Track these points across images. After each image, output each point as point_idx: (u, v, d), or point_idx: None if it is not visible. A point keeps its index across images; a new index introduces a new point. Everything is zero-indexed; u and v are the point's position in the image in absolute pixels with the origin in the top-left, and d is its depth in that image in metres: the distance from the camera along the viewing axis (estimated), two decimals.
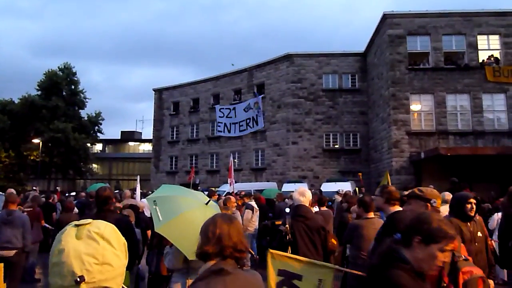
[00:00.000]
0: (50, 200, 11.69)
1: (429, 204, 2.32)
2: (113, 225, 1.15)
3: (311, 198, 4.53)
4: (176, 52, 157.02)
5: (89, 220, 1.12)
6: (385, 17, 20.04)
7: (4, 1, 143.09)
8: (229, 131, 29.29)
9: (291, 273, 3.22)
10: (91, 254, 1.04)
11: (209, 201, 3.80)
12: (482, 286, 2.21)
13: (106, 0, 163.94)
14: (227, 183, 20.35)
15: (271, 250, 3.28)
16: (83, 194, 13.57)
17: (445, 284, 2.18)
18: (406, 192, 11.30)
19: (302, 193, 4.41)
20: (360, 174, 14.65)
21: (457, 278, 2.18)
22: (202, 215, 3.58)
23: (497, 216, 7.21)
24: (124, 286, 1.16)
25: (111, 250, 1.09)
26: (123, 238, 1.15)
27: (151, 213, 3.77)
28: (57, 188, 16.02)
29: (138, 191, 13.06)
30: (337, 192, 11.22)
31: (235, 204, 7.92)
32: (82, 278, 1.02)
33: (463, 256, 2.28)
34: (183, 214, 3.47)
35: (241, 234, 1.85)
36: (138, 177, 14.93)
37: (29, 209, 7.83)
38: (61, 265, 1.04)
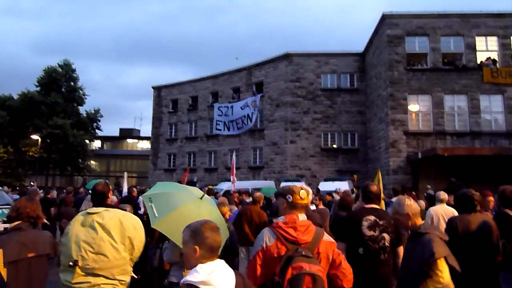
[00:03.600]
0: (49, 196, 11.74)
1: (284, 199, 2.60)
2: (122, 218, 1.19)
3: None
4: (175, 52, 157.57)
5: (101, 209, 1.18)
6: (384, 17, 20.11)
7: (8, 2, 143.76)
8: (228, 129, 29.40)
9: None
10: (88, 242, 1.11)
11: (203, 195, 3.88)
12: (310, 283, 2.19)
13: (107, 1, 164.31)
14: (225, 181, 20.46)
15: None
16: (82, 190, 13.63)
17: (276, 280, 2.26)
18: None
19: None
20: (355, 176, 14.69)
21: (286, 273, 2.21)
22: (196, 209, 3.66)
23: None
24: (133, 275, 1.22)
25: (109, 242, 1.13)
26: (133, 231, 1.19)
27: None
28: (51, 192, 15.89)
29: (125, 187, 13.08)
30: (335, 191, 11.32)
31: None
32: (75, 262, 1.09)
33: (304, 252, 2.29)
34: (178, 209, 3.54)
35: (35, 207, 2.61)
36: (125, 173, 14.92)
37: None
38: (64, 246, 1.13)
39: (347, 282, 2.34)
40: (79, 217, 1.19)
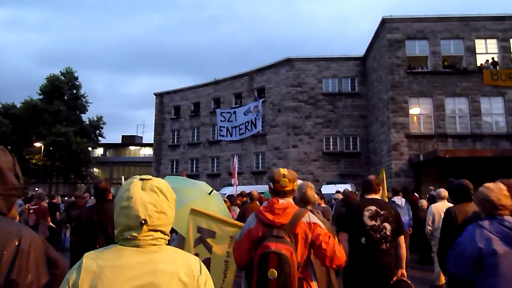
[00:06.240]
0: (54, 201, 11.88)
1: (269, 185, 2.84)
2: (167, 183, 1.44)
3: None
4: (176, 61, 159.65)
5: (150, 177, 1.42)
6: (384, 21, 20.31)
7: (13, 15, 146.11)
8: (231, 135, 29.50)
9: (207, 230, 3.43)
10: (153, 203, 1.36)
11: (212, 191, 4.00)
12: (276, 261, 2.30)
13: (109, 14, 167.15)
14: (228, 186, 20.55)
15: (193, 208, 3.43)
16: (87, 195, 13.80)
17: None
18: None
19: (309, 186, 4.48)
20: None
21: (256, 252, 2.44)
22: (205, 204, 3.78)
23: None
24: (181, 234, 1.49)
25: (166, 202, 1.40)
26: (174, 195, 1.46)
27: None
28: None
29: None
30: (338, 191, 11.46)
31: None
32: (145, 221, 1.32)
33: (274, 233, 2.45)
34: (187, 204, 3.65)
35: None
36: (123, 177, 15.06)
37: (35, 206, 8.01)
38: (129, 209, 1.34)
39: (330, 261, 2.42)
40: (137, 183, 1.42)
